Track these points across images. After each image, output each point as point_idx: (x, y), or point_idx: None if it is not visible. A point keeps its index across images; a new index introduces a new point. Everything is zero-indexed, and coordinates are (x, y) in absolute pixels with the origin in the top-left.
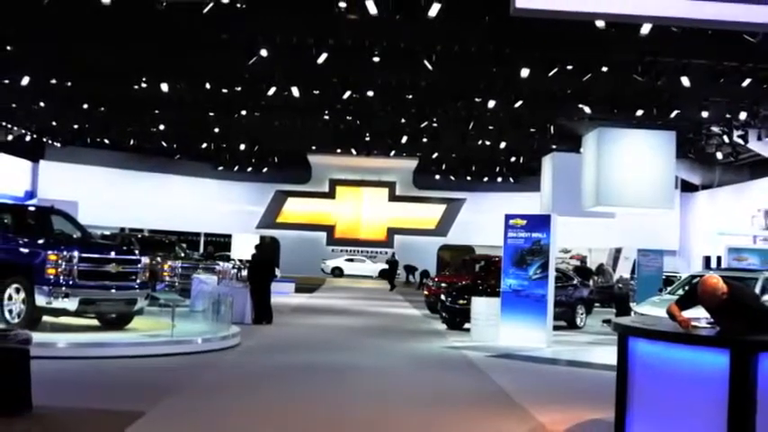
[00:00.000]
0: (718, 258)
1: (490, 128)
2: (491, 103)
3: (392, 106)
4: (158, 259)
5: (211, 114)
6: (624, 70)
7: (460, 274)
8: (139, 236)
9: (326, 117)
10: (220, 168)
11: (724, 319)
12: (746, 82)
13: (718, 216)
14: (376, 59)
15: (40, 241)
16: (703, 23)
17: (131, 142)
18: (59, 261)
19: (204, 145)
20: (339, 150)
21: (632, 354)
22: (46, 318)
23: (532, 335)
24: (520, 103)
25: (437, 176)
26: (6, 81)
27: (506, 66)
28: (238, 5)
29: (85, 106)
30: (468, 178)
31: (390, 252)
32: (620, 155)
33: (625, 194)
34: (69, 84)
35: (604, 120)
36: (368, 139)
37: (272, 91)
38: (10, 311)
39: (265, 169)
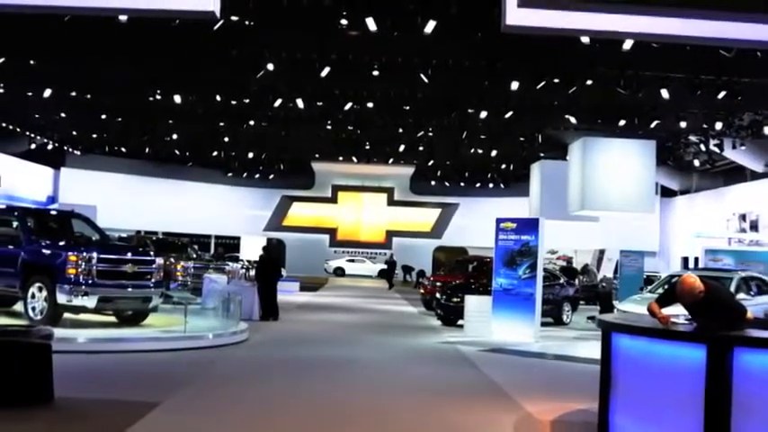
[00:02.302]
0: (696, 259)
1: (482, 137)
2: (483, 114)
3: (390, 117)
4: (172, 260)
5: (221, 124)
6: (607, 83)
7: (454, 273)
8: (154, 238)
9: (329, 127)
10: (230, 175)
11: (701, 316)
12: (722, 94)
13: (696, 219)
14: (375, 73)
15: (62, 243)
16: (681, 39)
17: (147, 150)
18: (79, 262)
19: (215, 153)
20: (341, 158)
21: (615, 348)
22: (67, 315)
23: (522, 330)
24: (510, 113)
25: (432, 182)
26: (30, 93)
27: (497, 79)
28: (246, 23)
29: (103, 117)
30: (462, 184)
31: (389, 253)
32: (603, 162)
33: (608, 199)
34: (88, 96)
35: (589, 129)
36: (368, 147)
37: (278, 102)
38: (33, 309)
39: (272, 176)
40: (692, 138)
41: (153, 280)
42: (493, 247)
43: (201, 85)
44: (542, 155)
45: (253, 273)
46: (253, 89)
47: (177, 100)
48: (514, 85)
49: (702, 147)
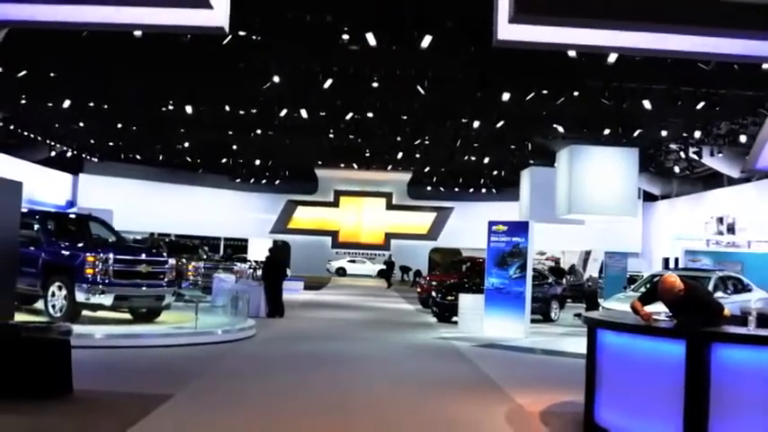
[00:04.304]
0: (676, 260)
1: (475, 145)
2: (476, 124)
3: (389, 126)
4: (183, 260)
5: (230, 133)
6: (593, 94)
7: (449, 273)
8: (167, 240)
9: (331, 135)
10: (238, 180)
11: (681, 314)
12: (701, 105)
13: (676, 222)
14: (375, 85)
15: (80, 245)
16: (663, 53)
17: (160, 158)
18: (96, 262)
19: (224, 160)
20: (342, 165)
21: (600, 344)
22: (85, 312)
23: (512, 327)
24: (501, 123)
25: (429, 188)
26: (50, 104)
27: (489, 90)
28: (254, 38)
29: (119, 126)
30: (456, 189)
31: (387, 254)
32: (589, 169)
33: (594, 203)
34: (105, 106)
35: (575, 138)
36: (368, 154)
37: (283, 112)
38: (53, 306)
39: (277, 181)
40: (673, 146)
41: (166, 279)
42: (485, 248)
43: (211, 96)
44: (531, 162)
45: (260, 273)
46: (259, 100)
47: (188, 110)
48: (505, 97)
49: (682, 154)
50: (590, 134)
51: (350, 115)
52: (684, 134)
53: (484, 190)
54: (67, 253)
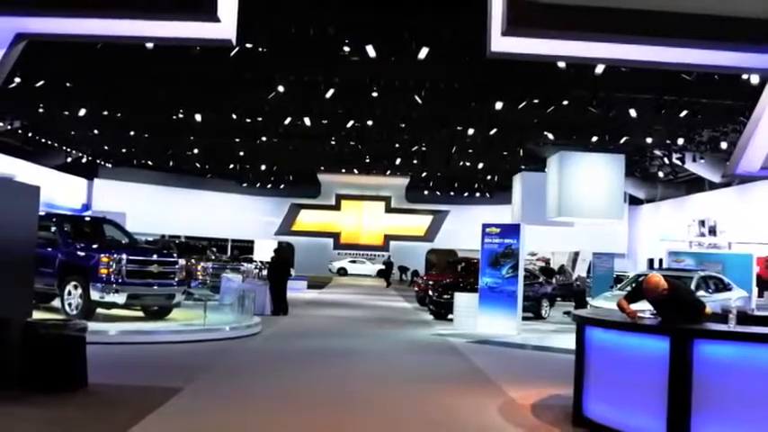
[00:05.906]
0: (660, 260)
1: (470, 151)
2: (470, 131)
3: (388, 133)
4: (193, 261)
5: (237, 140)
6: (581, 103)
7: (445, 273)
8: (177, 241)
9: (333, 142)
10: (244, 185)
11: (665, 311)
12: (684, 113)
13: (660, 225)
14: (374, 94)
15: (95, 246)
16: (648, 64)
17: (170, 163)
18: (110, 263)
19: (231, 165)
20: (343, 170)
21: (588, 340)
22: (99, 310)
23: (505, 324)
24: (494, 130)
25: (426, 192)
26: (66, 112)
27: (483, 99)
28: (260, 49)
29: (132, 133)
30: (452, 193)
31: (386, 255)
32: (578, 174)
33: (582, 207)
34: (119, 114)
35: (565, 144)
36: (368, 160)
37: (287, 120)
38: (69, 305)
39: (282, 186)
40: (657, 152)
41: (176, 279)
42: (479, 249)
43: (219, 105)
44: (523, 167)
45: (265, 272)
46: (265, 109)
47: (198, 118)
48: (498, 105)
49: (666, 160)
50: (579, 141)
51: (351, 123)
52: (668, 141)
53: (478, 194)
54: (83, 254)
